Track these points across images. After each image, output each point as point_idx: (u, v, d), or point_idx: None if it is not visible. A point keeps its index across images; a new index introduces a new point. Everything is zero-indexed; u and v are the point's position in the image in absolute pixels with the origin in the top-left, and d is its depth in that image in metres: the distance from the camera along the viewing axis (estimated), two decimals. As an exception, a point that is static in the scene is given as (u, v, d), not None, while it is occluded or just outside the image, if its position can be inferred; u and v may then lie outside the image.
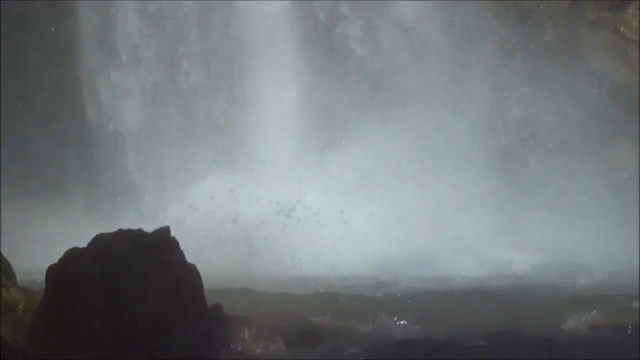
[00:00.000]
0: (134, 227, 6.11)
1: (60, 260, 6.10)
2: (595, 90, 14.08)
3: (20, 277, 7.16)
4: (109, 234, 6.22)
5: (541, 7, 14.47)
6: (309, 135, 13.83)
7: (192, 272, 6.11)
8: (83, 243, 5.88)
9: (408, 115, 13.59)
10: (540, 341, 7.23)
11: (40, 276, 6.26)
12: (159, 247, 6.11)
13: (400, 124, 13.53)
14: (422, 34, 14.00)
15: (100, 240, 6.09)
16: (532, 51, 14.30)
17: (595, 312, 8.34)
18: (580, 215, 13.22)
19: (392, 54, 14.15)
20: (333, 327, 7.83)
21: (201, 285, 6.15)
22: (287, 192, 12.49)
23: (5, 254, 7.05)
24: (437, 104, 13.81)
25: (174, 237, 6.12)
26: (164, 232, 6.18)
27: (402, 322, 8.17)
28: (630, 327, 7.61)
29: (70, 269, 6.01)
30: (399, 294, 9.96)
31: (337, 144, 13.81)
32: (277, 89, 13.77)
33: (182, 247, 6.05)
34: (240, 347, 6.73)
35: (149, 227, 6.04)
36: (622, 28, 14.34)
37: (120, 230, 6.27)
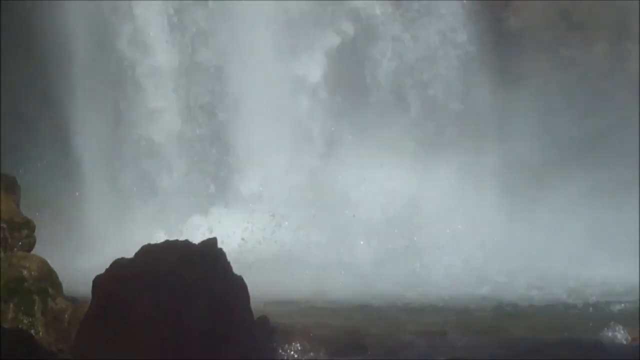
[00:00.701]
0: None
1: (107, 270, 6.08)
2: (640, 105, 13.86)
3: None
4: (155, 245, 6.19)
5: (590, 21, 14.34)
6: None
7: (238, 284, 6.06)
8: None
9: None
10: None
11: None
12: (206, 259, 6.07)
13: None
14: (467, 43, 14.01)
15: (147, 252, 6.07)
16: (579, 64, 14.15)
17: None
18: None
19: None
20: (379, 338, 7.77)
21: (247, 297, 6.11)
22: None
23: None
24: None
25: (220, 249, 6.06)
26: (211, 243, 6.13)
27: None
28: None
29: (117, 280, 5.99)
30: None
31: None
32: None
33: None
34: (287, 359, 6.68)
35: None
36: (670, 44, 14.15)
37: (167, 242, 6.24)
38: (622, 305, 9.64)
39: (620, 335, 7.98)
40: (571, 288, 10.80)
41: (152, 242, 6.37)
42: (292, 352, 6.72)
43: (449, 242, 12.46)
